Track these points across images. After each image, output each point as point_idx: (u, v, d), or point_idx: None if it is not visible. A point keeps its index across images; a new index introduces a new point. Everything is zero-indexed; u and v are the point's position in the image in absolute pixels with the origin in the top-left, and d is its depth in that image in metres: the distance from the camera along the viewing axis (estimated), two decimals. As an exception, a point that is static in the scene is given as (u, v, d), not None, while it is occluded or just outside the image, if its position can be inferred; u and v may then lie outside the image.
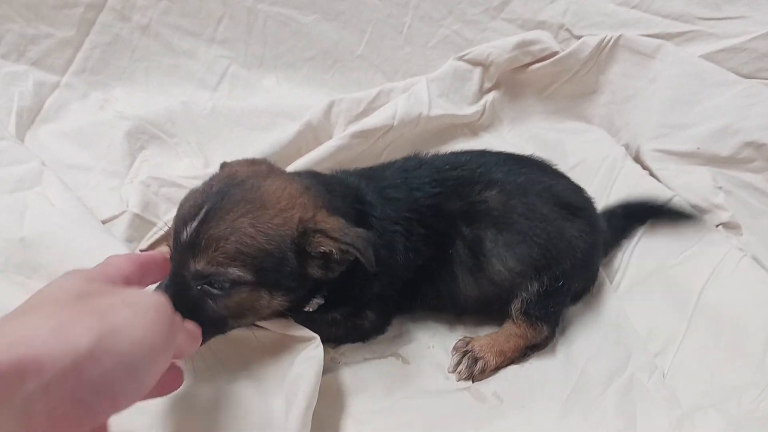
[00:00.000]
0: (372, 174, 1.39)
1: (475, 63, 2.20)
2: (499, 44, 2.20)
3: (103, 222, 1.46)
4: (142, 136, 1.81)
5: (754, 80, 2.06)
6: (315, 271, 1.11)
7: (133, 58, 2.08)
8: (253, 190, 1.08)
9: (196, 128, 1.90)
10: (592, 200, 1.54)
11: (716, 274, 1.53)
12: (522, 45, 2.19)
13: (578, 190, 1.52)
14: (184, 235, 1.03)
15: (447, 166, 1.39)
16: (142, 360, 0.70)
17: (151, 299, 0.76)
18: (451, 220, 1.33)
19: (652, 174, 1.95)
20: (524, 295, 1.35)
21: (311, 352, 1.16)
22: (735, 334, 1.38)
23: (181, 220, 1.07)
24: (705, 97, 2.02)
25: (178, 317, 0.83)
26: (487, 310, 1.43)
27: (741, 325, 1.39)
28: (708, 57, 2.12)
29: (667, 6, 2.22)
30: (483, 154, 1.50)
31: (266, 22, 2.17)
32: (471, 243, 1.33)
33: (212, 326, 1.07)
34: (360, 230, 1.10)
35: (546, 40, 2.21)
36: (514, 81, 2.28)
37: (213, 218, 1.03)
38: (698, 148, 1.95)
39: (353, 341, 1.37)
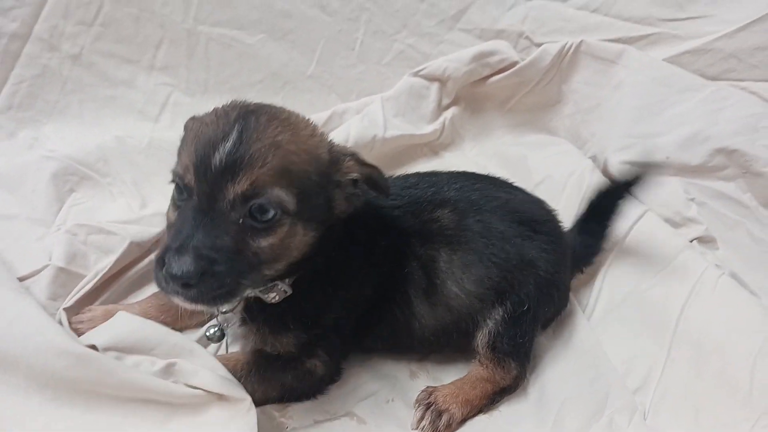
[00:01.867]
0: None
1: (431, 78, 2.09)
2: (456, 57, 2.10)
3: (21, 279, 1.31)
4: (71, 178, 1.65)
5: (721, 82, 1.99)
6: (341, 203, 1.08)
7: (65, 90, 1.92)
8: (281, 113, 1.05)
9: (132, 165, 1.76)
10: (555, 212, 1.44)
11: (694, 296, 1.43)
12: (480, 57, 2.09)
13: (538, 203, 1.43)
14: (217, 159, 0.93)
15: (399, 185, 1.31)
16: None
17: None
18: (406, 239, 1.24)
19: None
20: (489, 323, 1.24)
21: (242, 418, 1.04)
22: (719, 363, 1.28)
23: (206, 146, 0.96)
24: (672, 104, 1.95)
25: None
26: (448, 343, 1.32)
27: (724, 352, 1.29)
28: (672, 60, 2.05)
29: (628, 8, 2.14)
30: (434, 174, 1.41)
31: (208, 45, 2.04)
32: (425, 263, 1.24)
33: (244, 268, 0.96)
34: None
35: (505, 50, 2.11)
36: (474, 95, 2.18)
37: (252, 135, 0.95)
38: (667, 158, 1.86)
39: (304, 393, 1.23)
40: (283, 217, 0.98)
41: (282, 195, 0.95)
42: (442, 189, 1.31)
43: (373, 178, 1.08)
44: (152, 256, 1.43)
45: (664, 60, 2.04)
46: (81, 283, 1.34)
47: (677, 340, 1.36)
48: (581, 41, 2.08)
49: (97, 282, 1.34)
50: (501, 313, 1.24)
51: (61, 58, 1.92)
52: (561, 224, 1.45)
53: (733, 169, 1.81)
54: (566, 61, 2.10)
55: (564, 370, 1.34)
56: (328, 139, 1.10)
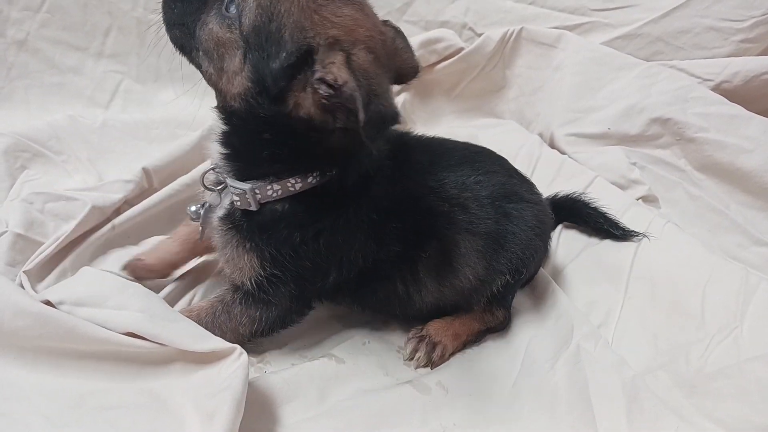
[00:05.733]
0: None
1: (382, 64, 2.15)
2: (404, 45, 2.17)
3: (-23, 247, 1.26)
4: (22, 155, 1.60)
5: (652, 62, 2.13)
6: (305, 103, 0.96)
7: (10, 76, 1.88)
8: None
9: (87, 143, 1.72)
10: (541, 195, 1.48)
11: (645, 242, 1.51)
12: (427, 44, 2.18)
13: (530, 185, 1.44)
14: None
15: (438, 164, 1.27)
16: None
17: None
18: (432, 217, 1.22)
19: (570, 157, 1.95)
20: (488, 292, 1.29)
21: (234, 363, 1.02)
22: (672, 295, 1.37)
23: None
24: (609, 81, 2.07)
25: None
26: (438, 315, 1.33)
27: (676, 285, 1.38)
28: (606, 45, 2.18)
29: (563, 0, 2.28)
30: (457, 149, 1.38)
31: (160, 32, 2.03)
32: (447, 246, 1.23)
33: (187, 37, 1.06)
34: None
35: (450, 37, 2.20)
36: (423, 82, 2.25)
37: None
38: (609, 129, 1.98)
39: (273, 326, 1.19)
40: (233, 25, 0.98)
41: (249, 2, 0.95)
42: (463, 176, 1.28)
43: (349, 102, 0.90)
44: (115, 221, 1.42)
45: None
46: (42, 247, 1.28)
47: (633, 279, 1.43)
48: (522, 28, 2.20)
49: (58, 246, 1.29)
50: (500, 283, 1.28)
51: (6, 44, 1.89)
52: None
53: (668, 137, 1.94)
54: (509, 47, 2.21)
55: (529, 315, 1.39)
56: (356, 36, 0.96)
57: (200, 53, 1.05)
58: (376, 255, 1.16)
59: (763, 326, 1.23)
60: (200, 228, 1.23)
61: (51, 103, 1.90)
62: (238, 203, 1.10)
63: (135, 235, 1.45)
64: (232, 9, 0.98)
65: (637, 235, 1.52)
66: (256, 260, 1.10)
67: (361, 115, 0.87)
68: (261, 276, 1.11)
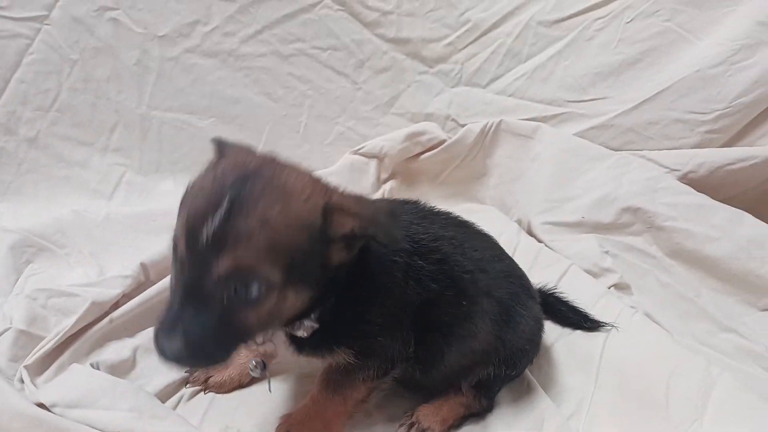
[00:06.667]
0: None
1: (370, 156, 2.30)
2: (390, 137, 2.32)
3: (-19, 343, 1.34)
4: (28, 249, 1.70)
5: (623, 152, 2.26)
6: (338, 255, 1.00)
7: (20, 171, 2.01)
8: (275, 179, 0.95)
9: (90, 237, 1.83)
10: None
11: (614, 331, 1.60)
12: (412, 136, 2.33)
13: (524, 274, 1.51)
14: (205, 234, 0.88)
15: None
16: None
17: None
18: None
19: (546, 245, 2.06)
20: (480, 375, 1.35)
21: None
22: (639, 385, 1.44)
23: (196, 216, 0.90)
24: (583, 171, 2.20)
25: None
26: (440, 387, 1.40)
27: (643, 377, 1.45)
28: (581, 135, 2.32)
29: (540, 92, 2.44)
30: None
31: (161, 128, 2.18)
32: (470, 305, 1.28)
33: (234, 340, 0.96)
34: (381, 202, 1.05)
35: (433, 130, 2.36)
36: (409, 170, 2.39)
37: (241, 210, 0.89)
38: (583, 218, 2.09)
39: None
40: (269, 292, 0.93)
41: (266, 273, 0.91)
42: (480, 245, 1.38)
43: (369, 233, 0.99)
44: (113, 315, 1.50)
45: (573, 135, 2.32)
46: (42, 342, 1.37)
47: (603, 369, 1.51)
48: (500, 120, 2.35)
49: (58, 341, 1.38)
50: (492, 371, 1.35)
51: (18, 141, 2.02)
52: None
53: (639, 225, 2.05)
54: (488, 138, 2.36)
55: (504, 405, 1.45)
56: (325, 190, 1.01)
57: (256, 333, 1.02)
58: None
59: (721, 419, 1.30)
60: (268, 381, 1.34)
61: (58, 195, 2.02)
62: (304, 334, 1.13)
63: (132, 327, 1.53)
64: (254, 291, 0.92)
65: (605, 326, 1.61)
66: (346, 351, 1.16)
67: (381, 236, 0.98)
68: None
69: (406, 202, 1.41)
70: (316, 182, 1.01)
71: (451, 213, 1.43)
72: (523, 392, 1.46)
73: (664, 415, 1.36)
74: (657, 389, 1.41)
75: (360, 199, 1.03)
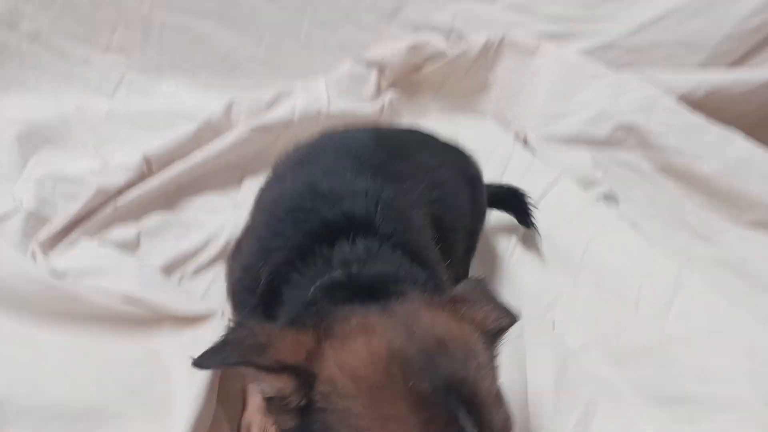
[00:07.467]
0: None
1: (371, 65, 2.30)
2: (393, 47, 2.31)
3: (-6, 221, 1.42)
4: (33, 139, 1.75)
5: (623, 72, 2.27)
6: None
7: (23, 66, 2.03)
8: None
9: (92, 131, 1.87)
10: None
11: (597, 236, 1.67)
12: (414, 47, 2.32)
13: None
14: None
15: None
16: None
17: None
18: None
19: (539, 158, 2.10)
20: None
21: (219, 322, 1.19)
22: (614, 284, 1.52)
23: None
24: (582, 88, 2.22)
25: None
26: None
27: (618, 276, 1.53)
28: (583, 53, 2.32)
29: (546, 9, 2.42)
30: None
31: (162, 29, 2.19)
32: None
33: None
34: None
35: (436, 42, 2.35)
36: (410, 81, 2.40)
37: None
38: (578, 133, 2.12)
39: None
40: None
41: None
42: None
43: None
44: (117, 201, 1.58)
45: (576, 53, 2.32)
46: (51, 222, 1.45)
47: (583, 268, 1.59)
48: (503, 37, 2.35)
49: (66, 221, 1.45)
50: None
51: (20, 36, 2.03)
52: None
53: (632, 141, 2.08)
54: (491, 52, 2.36)
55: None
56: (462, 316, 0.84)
57: None
58: None
59: (685, 315, 1.38)
60: None
61: (61, 92, 2.04)
62: None
63: (135, 213, 1.61)
64: None
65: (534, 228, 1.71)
66: None
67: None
68: None
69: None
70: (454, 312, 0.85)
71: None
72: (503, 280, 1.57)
73: (633, 312, 1.44)
74: (630, 289, 1.49)
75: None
